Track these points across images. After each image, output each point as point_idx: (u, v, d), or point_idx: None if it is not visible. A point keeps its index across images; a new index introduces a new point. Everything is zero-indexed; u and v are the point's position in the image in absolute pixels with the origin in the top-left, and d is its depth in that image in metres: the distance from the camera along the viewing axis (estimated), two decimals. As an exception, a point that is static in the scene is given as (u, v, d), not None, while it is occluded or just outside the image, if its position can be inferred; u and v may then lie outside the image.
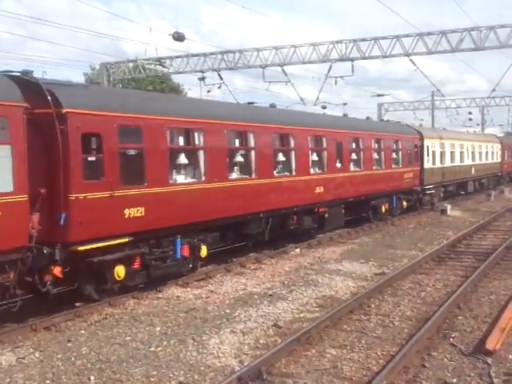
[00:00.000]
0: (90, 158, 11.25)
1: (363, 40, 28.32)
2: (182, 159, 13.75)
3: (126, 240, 11.74)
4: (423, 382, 7.76)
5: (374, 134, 23.86)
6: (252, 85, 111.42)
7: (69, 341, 9.58)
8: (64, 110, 10.55)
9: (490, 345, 8.74)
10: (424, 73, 34.99)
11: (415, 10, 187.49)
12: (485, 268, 14.45)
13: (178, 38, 27.14)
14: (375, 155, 23.86)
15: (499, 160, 45.04)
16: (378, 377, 7.63)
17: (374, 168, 23.49)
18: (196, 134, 14.06)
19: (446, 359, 8.53)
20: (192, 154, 14.07)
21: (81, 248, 10.77)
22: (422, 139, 29.01)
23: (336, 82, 31.84)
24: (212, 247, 14.88)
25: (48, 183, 10.41)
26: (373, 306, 11.55)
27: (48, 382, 7.95)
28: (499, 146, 45.47)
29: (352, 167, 21.88)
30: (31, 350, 9.22)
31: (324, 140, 19.65)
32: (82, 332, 10.10)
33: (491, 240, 19.77)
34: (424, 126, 38.05)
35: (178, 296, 12.54)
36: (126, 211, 11.76)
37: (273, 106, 19.36)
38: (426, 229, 23.04)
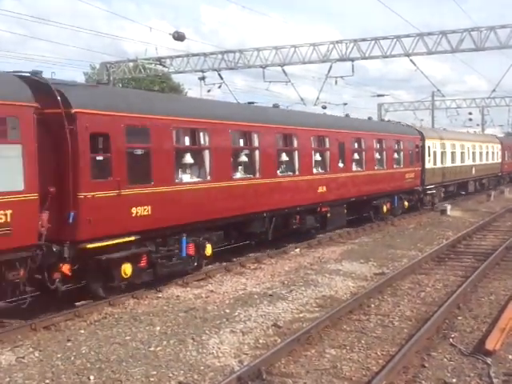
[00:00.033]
0: (98, 158, 11.42)
1: (363, 40, 28.33)
2: (188, 159, 13.93)
3: (133, 238, 11.91)
4: (423, 381, 7.75)
5: (375, 134, 23.97)
6: (252, 85, 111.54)
7: (68, 340, 9.58)
8: (73, 110, 10.73)
9: (489, 345, 8.74)
10: (424, 73, 35.06)
11: (415, 10, 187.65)
12: (485, 268, 14.45)
13: (179, 37, 27.15)
14: (377, 155, 23.98)
15: (499, 160, 45.12)
16: (377, 377, 7.63)
17: (375, 168, 23.62)
18: (201, 134, 14.23)
19: (445, 359, 8.53)
20: (197, 153, 14.26)
21: (89, 246, 10.95)
22: (423, 139, 29.13)
23: (336, 82, 31.91)
24: (216, 246, 15.02)
25: (57, 182, 10.60)
26: (372, 306, 11.55)
27: (48, 381, 7.95)
28: (499, 146, 45.54)
29: (354, 167, 22.04)
30: (31, 349, 9.22)
31: (327, 140, 19.79)
32: (82, 331, 10.10)
33: (491, 240, 19.77)
34: (424, 126, 38.09)
35: (178, 296, 12.54)
36: (134, 210, 11.94)
37: (276, 106, 19.49)
38: (426, 229, 23.04)
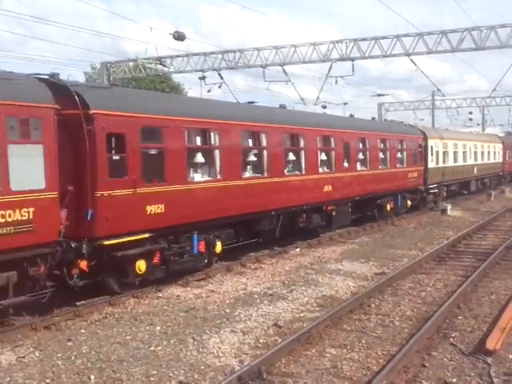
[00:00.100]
0: (114, 157, 11.79)
1: (363, 40, 28.29)
2: (199, 158, 14.25)
3: (147, 236, 12.26)
4: (423, 381, 7.76)
5: (379, 134, 24.26)
6: (252, 84, 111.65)
7: (69, 340, 9.59)
8: (91, 111, 11.07)
9: (490, 345, 8.74)
10: (424, 72, 34.97)
11: (415, 9, 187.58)
12: (485, 268, 14.45)
13: (179, 37, 27.15)
14: (381, 155, 24.28)
15: (501, 160, 45.21)
16: (378, 376, 7.63)
17: (379, 167, 23.90)
18: (212, 134, 14.53)
19: (446, 359, 8.54)
20: (208, 153, 14.58)
21: (106, 243, 11.31)
22: (425, 139, 29.31)
23: (336, 82, 31.85)
24: (226, 243, 15.28)
25: (75, 181, 10.96)
26: (373, 305, 11.55)
27: (48, 381, 7.95)
28: (501, 145, 45.63)
29: (359, 167, 22.33)
30: (31, 349, 9.22)
31: (332, 140, 20.10)
32: (82, 331, 10.10)
33: (491, 240, 19.77)
34: (424, 125, 38.09)
35: (178, 295, 12.54)
36: (148, 208, 12.28)
37: (283, 106, 19.78)
38: (427, 228, 23.05)
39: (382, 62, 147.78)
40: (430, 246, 18.42)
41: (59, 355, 8.86)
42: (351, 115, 26.59)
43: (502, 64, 36.28)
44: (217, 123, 14.53)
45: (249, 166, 16.25)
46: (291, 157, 17.92)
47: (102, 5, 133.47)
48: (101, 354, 8.91)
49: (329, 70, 30.19)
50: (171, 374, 8.07)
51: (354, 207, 21.81)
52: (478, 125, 68.25)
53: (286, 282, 13.72)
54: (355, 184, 21.60)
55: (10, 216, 9.49)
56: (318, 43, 29.29)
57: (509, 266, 15.23)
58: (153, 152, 12.78)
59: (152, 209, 12.35)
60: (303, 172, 18.31)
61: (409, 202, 27.10)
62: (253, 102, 18.57)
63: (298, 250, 18.20)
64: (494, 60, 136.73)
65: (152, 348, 9.13)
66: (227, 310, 11.23)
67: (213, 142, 14.55)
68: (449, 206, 28.20)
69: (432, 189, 30.10)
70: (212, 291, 12.89)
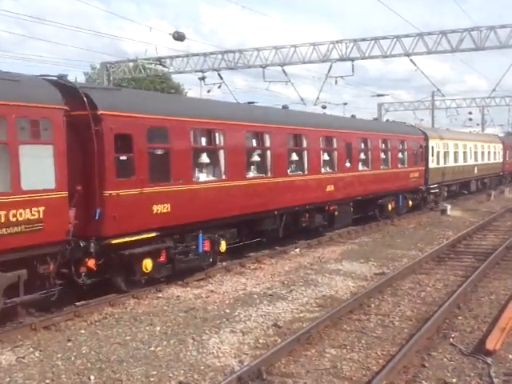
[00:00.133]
0: (122, 157, 11.88)
1: (363, 40, 28.31)
2: (204, 158, 14.44)
3: (154, 235, 12.46)
4: (423, 381, 7.76)
5: (381, 134, 24.42)
6: (252, 84, 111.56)
7: (69, 340, 9.58)
8: (99, 112, 11.27)
9: (489, 345, 8.74)
10: (424, 73, 35.02)
11: (415, 9, 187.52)
12: (485, 268, 14.45)
13: (178, 37, 27.15)
14: (382, 155, 24.45)
15: (501, 160, 45.28)
16: (377, 377, 7.63)
17: (381, 168, 24.07)
18: (217, 135, 14.71)
19: (445, 359, 8.54)
20: (213, 153, 14.79)
21: (114, 241, 11.51)
22: (426, 139, 29.46)
23: (336, 82, 31.91)
24: (230, 242, 15.42)
25: (83, 181, 11.17)
26: (373, 305, 11.55)
27: (48, 381, 7.95)
28: (501, 146, 45.69)
29: (361, 167, 22.52)
30: (31, 349, 9.22)
31: (334, 140, 20.29)
32: (82, 331, 10.10)
33: (491, 240, 19.77)
34: (424, 125, 38.14)
35: (178, 296, 12.54)
36: (154, 207, 12.46)
37: (285, 107, 19.96)
38: (426, 229, 23.05)
39: (382, 62, 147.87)
40: (429, 246, 18.42)
41: (59, 355, 8.86)
42: (353, 116, 26.71)
43: (502, 64, 36.45)
44: (221, 124, 14.73)
45: (252, 166, 16.45)
46: (294, 157, 18.12)
47: (100, 4, 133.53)
48: (101, 354, 8.91)
49: (329, 70, 30.26)
50: (171, 375, 8.06)
51: (355, 207, 21.97)
52: (478, 125, 68.33)
53: (286, 282, 13.71)
54: (357, 184, 21.78)
55: (21, 215, 9.69)
56: (317, 43, 29.31)
57: (509, 266, 15.23)
58: (159, 152, 12.95)
59: (158, 208, 12.53)
60: (306, 172, 18.51)
61: (410, 202, 27.28)
62: (253, 102, 18.58)
63: (297, 250, 18.21)
64: (493, 60, 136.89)
65: (152, 348, 9.13)
66: (227, 310, 11.23)
67: (217, 142, 14.75)
68: (448, 206, 28.23)
69: (433, 189, 30.24)
70: (212, 291, 12.89)
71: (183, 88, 51.34)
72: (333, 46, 28.71)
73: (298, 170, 18.34)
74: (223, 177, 14.76)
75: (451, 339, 9.32)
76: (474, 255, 16.80)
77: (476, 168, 37.98)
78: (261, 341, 9.48)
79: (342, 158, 20.65)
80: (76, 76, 12.53)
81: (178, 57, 32.01)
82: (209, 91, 32.89)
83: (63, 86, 11.06)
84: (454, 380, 7.81)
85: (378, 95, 52.08)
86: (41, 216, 9.98)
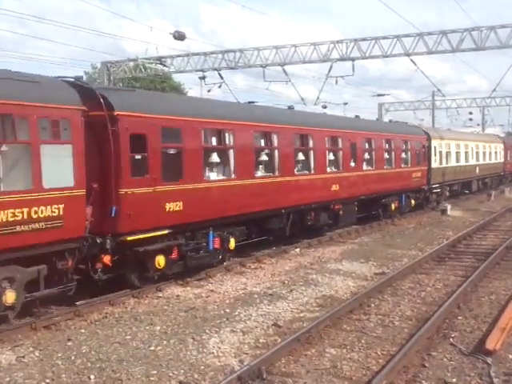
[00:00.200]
0: (137, 157, 12.18)
1: (364, 40, 28.31)
2: (215, 158, 14.75)
3: (166, 232, 12.76)
4: (423, 381, 7.76)
5: (384, 134, 24.65)
6: (252, 84, 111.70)
7: (69, 340, 9.58)
8: (115, 113, 11.60)
9: (489, 345, 8.74)
10: (424, 73, 35.17)
11: (415, 9, 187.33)
12: (485, 268, 14.45)
13: (179, 37, 27.15)
14: (386, 155, 24.69)
15: (502, 160, 45.38)
16: (377, 376, 7.63)
17: (384, 167, 24.34)
18: (227, 135, 15.01)
19: (445, 359, 8.53)
20: (223, 152, 15.04)
21: (129, 238, 11.82)
22: (429, 140, 29.66)
23: (336, 82, 31.92)
24: (239, 240, 15.67)
25: (99, 179, 11.47)
26: (373, 305, 11.55)
27: (48, 380, 7.94)
28: (502, 146, 45.78)
29: (365, 166, 22.76)
30: (31, 348, 9.21)
31: (339, 140, 20.55)
32: (82, 331, 10.10)
33: (491, 240, 19.77)
34: (424, 125, 38.18)
35: (178, 295, 12.54)
36: (167, 205, 12.78)
37: (291, 107, 20.20)
38: (426, 229, 23.05)
39: (382, 62, 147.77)
40: (429, 246, 18.42)
41: (59, 355, 8.86)
42: (357, 116, 26.92)
43: (502, 64, 36.43)
44: (231, 124, 15.07)
45: (261, 166, 16.74)
46: (301, 157, 18.39)
47: (101, 4, 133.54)
48: (101, 353, 8.91)
49: (329, 70, 30.25)
50: (171, 374, 8.07)
51: (359, 206, 22.19)
52: (478, 125, 68.38)
53: (286, 281, 13.72)
54: (361, 183, 22.03)
55: (42, 212, 10.01)
56: (318, 43, 29.31)
57: (509, 266, 15.23)
58: (172, 152, 13.25)
59: (171, 206, 12.83)
60: (312, 171, 18.80)
61: (412, 202, 27.48)
62: (253, 102, 18.64)
63: (297, 249, 18.22)
64: (494, 60, 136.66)
65: (152, 348, 9.13)
66: (227, 310, 11.23)
67: (227, 142, 15.07)
68: (449, 206, 28.27)
69: (435, 188, 30.44)
70: (212, 291, 12.90)
71: (184, 87, 51.36)
72: (333, 46, 28.72)
73: (304, 169, 18.63)
74: (233, 176, 15.08)
75: (451, 339, 9.32)
76: (474, 255, 16.80)
77: (477, 168, 38.11)
78: (261, 340, 9.49)
79: (346, 158, 20.89)
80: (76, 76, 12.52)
81: (178, 56, 32.01)
82: (209, 91, 32.91)
83: (80, 87, 11.40)
84: (454, 380, 7.81)
85: (379, 95, 52.17)
86: (60, 213, 10.31)
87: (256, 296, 12.37)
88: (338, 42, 28.86)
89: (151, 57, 31.66)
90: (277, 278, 14.12)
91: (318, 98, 33.62)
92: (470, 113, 63.99)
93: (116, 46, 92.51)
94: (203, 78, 31.95)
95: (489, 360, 8.33)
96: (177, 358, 8.71)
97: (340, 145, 20.55)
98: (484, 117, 66.56)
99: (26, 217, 9.72)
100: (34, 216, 9.85)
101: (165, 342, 9.37)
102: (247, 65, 30.60)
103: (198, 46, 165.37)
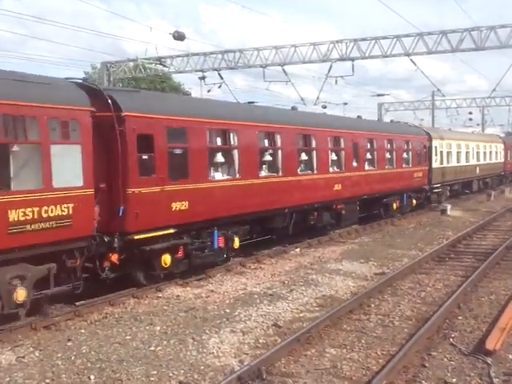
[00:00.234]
0: (144, 157, 12.34)
1: (363, 40, 28.30)
2: (219, 158, 14.92)
3: (172, 231, 12.92)
4: (423, 381, 7.76)
5: (386, 135, 24.79)
6: (252, 84, 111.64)
7: (69, 340, 9.58)
8: (123, 114, 11.73)
9: (489, 345, 8.74)
10: (424, 73, 35.12)
11: (415, 9, 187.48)
12: (485, 268, 14.45)
13: (179, 37, 27.16)
14: (387, 155, 24.83)
15: (502, 160, 45.43)
16: (377, 376, 7.63)
17: (386, 167, 24.47)
18: (231, 135, 15.14)
19: (445, 359, 8.53)
20: (227, 153, 15.18)
21: (136, 237, 11.99)
22: (430, 140, 29.78)
23: (336, 82, 31.94)
24: (243, 239, 15.80)
25: (107, 179, 11.66)
26: (373, 305, 11.55)
27: (48, 381, 7.95)
28: (502, 146, 45.83)
29: (367, 166, 22.91)
30: (31, 349, 9.22)
31: (342, 140, 20.70)
32: (82, 331, 10.10)
33: (491, 240, 19.76)
34: (423, 125, 38.21)
35: (178, 295, 12.54)
36: (173, 205, 12.94)
37: (294, 108, 20.48)
38: (426, 229, 23.05)
39: (382, 62, 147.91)
40: (429, 246, 18.42)
41: (59, 355, 8.86)
42: (359, 116, 27.03)
43: (502, 64, 36.41)
44: (236, 124, 15.21)
45: (264, 166, 16.90)
46: (304, 157, 18.53)
47: (101, 4, 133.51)
48: (101, 353, 8.91)
49: (329, 70, 30.26)
50: (171, 374, 8.07)
51: (361, 206, 22.31)
52: (478, 125, 68.34)
53: (286, 282, 13.72)
54: (363, 183, 22.17)
55: (52, 211, 10.17)
56: (318, 43, 29.29)
57: (509, 266, 15.23)
58: (178, 152, 13.39)
59: (177, 206, 12.98)
60: (315, 171, 18.93)
61: (414, 201, 27.59)
62: (253, 102, 18.65)
63: (297, 249, 18.23)
64: (493, 60, 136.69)
65: (152, 348, 9.14)
66: (227, 310, 11.23)
67: (232, 142, 15.19)
68: (449, 206, 28.30)
69: (436, 188, 30.54)
70: (212, 291, 12.89)
71: (183, 88, 51.33)
72: (333, 46, 28.70)
73: (307, 169, 18.76)
74: (237, 176, 15.23)
75: (451, 339, 9.32)
76: (474, 255, 16.79)
77: (478, 168, 38.20)
78: (261, 340, 9.48)
79: (349, 158, 21.02)
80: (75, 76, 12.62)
81: (178, 56, 32.00)
82: (209, 91, 32.91)
83: (88, 88, 11.53)
84: (454, 380, 7.81)
85: (378, 95, 52.18)
86: (70, 212, 10.47)
87: (256, 296, 12.37)
88: (337, 42, 28.85)
89: (151, 57, 31.67)
90: (277, 278, 14.12)
91: (317, 98, 33.68)
92: (470, 113, 64.05)
93: (116, 46, 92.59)
94: (203, 78, 31.97)
95: (489, 360, 8.33)
96: (177, 358, 8.71)
97: (342, 145, 20.67)
98: (484, 117, 66.60)
99: (36, 216, 9.86)
100: (44, 215, 10.01)
101: (165, 342, 9.37)
102: (247, 65, 30.59)
103: (197, 46, 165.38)
